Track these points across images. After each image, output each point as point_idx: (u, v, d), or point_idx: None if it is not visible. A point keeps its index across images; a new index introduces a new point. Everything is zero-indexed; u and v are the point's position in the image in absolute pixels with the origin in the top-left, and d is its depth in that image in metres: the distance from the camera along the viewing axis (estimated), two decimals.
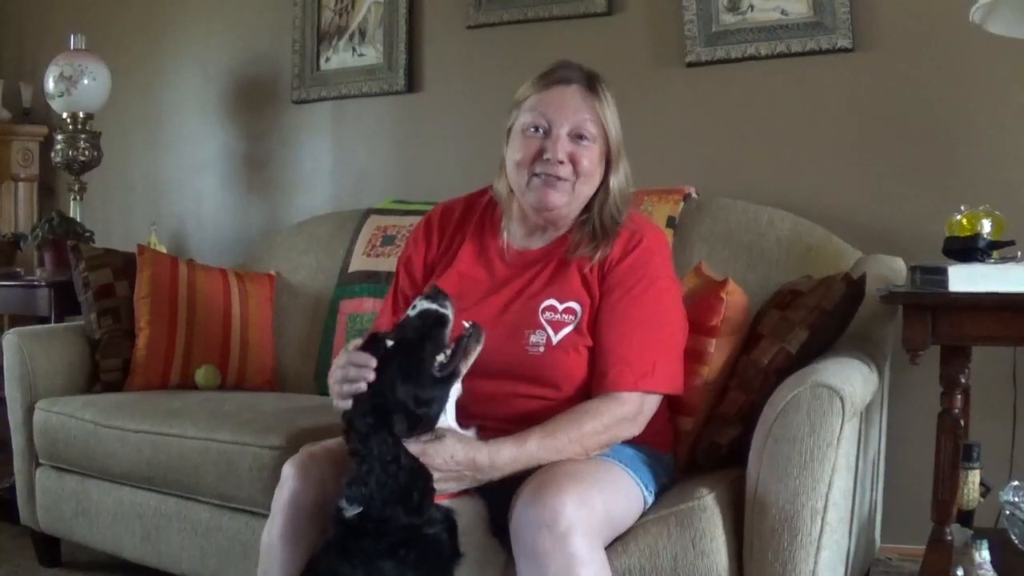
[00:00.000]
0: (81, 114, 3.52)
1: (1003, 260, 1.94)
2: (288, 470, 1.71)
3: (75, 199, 3.59)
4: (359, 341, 1.62)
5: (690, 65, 2.86)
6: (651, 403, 1.72)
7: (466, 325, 1.62)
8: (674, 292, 1.81)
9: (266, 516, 1.74)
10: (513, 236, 1.85)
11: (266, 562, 1.70)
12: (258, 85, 3.68)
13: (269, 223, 3.63)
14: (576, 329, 1.73)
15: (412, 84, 3.35)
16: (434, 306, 1.61)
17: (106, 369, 2.81)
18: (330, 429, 2.09)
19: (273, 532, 1.69)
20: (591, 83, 1.77)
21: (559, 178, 1.74)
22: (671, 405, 1.84)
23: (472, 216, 1.91)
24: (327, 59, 3.51)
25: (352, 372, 1.56)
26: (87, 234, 3.40)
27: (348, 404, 1.58)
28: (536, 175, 1.74)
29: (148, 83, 3.92)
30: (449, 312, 1.61)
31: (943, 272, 1.85)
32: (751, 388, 1.84)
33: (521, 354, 1.71)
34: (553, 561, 1.46)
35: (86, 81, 3.47)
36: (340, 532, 1.56)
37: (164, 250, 3.34)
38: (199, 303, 2.89)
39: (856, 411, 1.74)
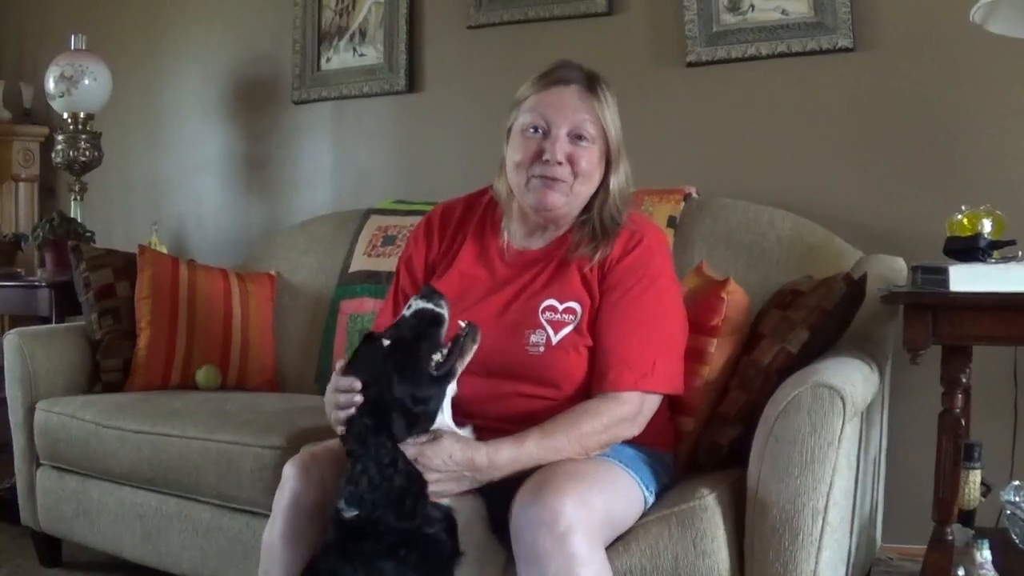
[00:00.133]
0: (82, 114, 3.52)
1: (1004, 260, 1.94)
2: (289, 470, 1.71)
3: (76, 199, 3.59)
4: (343, 362, 1.63)
5: (691, 65, 2.86)
6: (651, 403, 1.72)
7: (462, 324, 1.63)
8: (674, 292, 1.81)
9: (267, 516, 1.74)
10: (513, 236, 1.85)
11: (267, 562, 1.70)
12: (259, 85, 3.69)
13: (270, 223, 3.63)
14: (576, 329, 1.73)
15: (413, 84, 3.35)
16: (429, 305, 1.61)
17: (107, 369, 2.81)
18: (331, 429, 2.09)
19: (274, 532, 1.69)
20: (590, 83, 1.77)
21: (557, 179, 1.73)
22: (672, 405, 1.84)
23: (472, 216, 1.91)
24: (328, 59, 3.51)
25: (342, 398, 1.58)
26: (88, 234, 3.40)
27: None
28: (535, 176, 1.74)
29: (149, 83, 3.92)
30: (444, 311, 1.62)
31: (944, 272, 1.85)
32: (752, 388, 1.84)
33: (521, 354, 1.71)
34: (553, 561, 1.46)
35: (87, 81, 3.47)
36: (340, 533, 1.56)
37: (165, 250, 3.34)
38: (200, 303, 2.89)
39: (857, 411, 1.74)
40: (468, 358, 1.62)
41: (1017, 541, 2.01)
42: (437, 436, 1.58)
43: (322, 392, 2.79)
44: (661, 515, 1.66)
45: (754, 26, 2.77)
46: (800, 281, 2.06)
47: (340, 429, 1.61)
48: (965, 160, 2.52)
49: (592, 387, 1.71)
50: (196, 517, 2.35)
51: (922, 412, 2.16)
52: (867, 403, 1.85)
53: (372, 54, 3.42)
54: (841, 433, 1.62)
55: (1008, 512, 2.02)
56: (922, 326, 1.85)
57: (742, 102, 2.81)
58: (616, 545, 1.64)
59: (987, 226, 2.03)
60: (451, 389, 1.62)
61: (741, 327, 1.92)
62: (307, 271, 3.09)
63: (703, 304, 1.90)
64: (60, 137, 3.54)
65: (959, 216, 2.10)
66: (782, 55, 2.73)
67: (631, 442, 1.72)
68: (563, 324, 1.73)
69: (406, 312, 1.63)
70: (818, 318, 1.86)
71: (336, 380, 1.61)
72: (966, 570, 1.94)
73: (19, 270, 3.59)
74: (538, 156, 1.74)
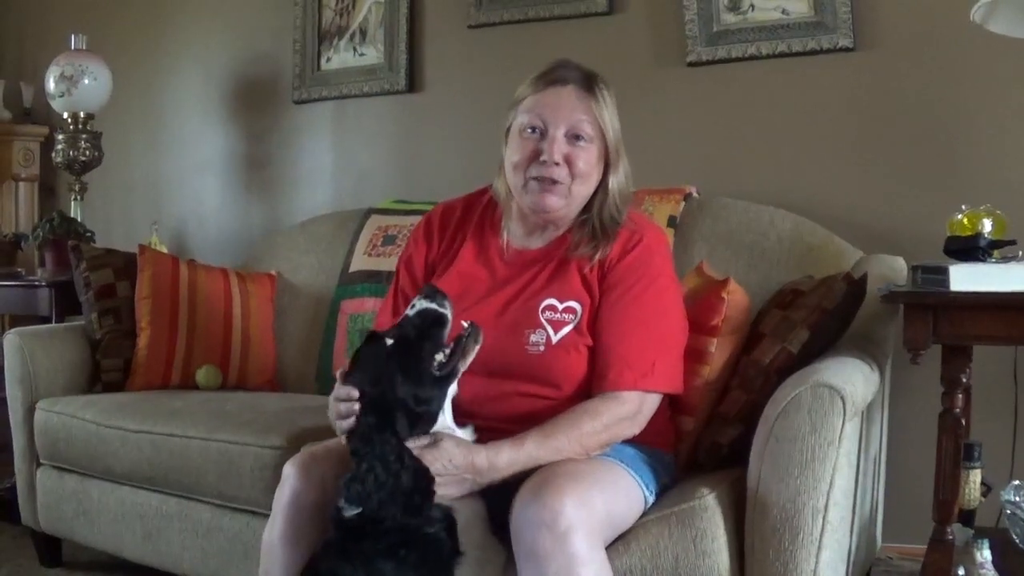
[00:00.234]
0: (82, 114, 3.52)
1: (1004, 260, 1.94)
2: (289, 470, 1.71)
3: (76, 199, 3.58)
4: (343, 369, 1.63)
5: (691, 65, 2.86)
6: (651, 402, 1.72)
7: (464, 325, 1.63)
8: (674, 291, 1.81)
9: (267, 516, 1.74)
10: (513, 235, 1.85)
11: (267, 562, 1.70)
12: (259, 85, 3.68)
13: (270, 223, 3.63)
14: (576, 328, 1.73)
15: (413, 84, 3.35)
16: (433, 305, 1.61)
17: (107, 369, 2.81)
18: (331, 429, 2.09)
19: (274, 532, 1.69)
20: (588, 83, 1.77)
21: (555, 181, 1.73)
22: (672, 405, 1.84)
23: (472, 216, 1.91)
24: (328, 59, 3.51)
25: (342, 408, 1.59)
26: (88, 234, 3.40)
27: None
28: (532, 178, 1.74)
29: (149, 83, 3.92)
30: (447, 312, 1.62)
31: (944, 272, 1.85)
32: (752, 388, 1.84)
33: (521, 353, 1.71)
34: (553, 561, 1.46)
35: (87, 81, 3.47)
36: (340, 532, 1.55)
37: (165, 250, 3.34)
38: (200, 303, 2.89)
39: (857, 411, 1.74)
40: (470, 358, 1.62)
41: (1017, 541, 2.01)
42: (437, 440, 1.58)
43: (322, 392, 2.83)
44: (661, 515, 1.66)
45: (754, 26, 2.77)
46: (800, 281, 2.06)
47: (343, 438, 1.61)
48: (965, 160, 2.52)
49: (592, 386, 1.71)
50: (196, 517, 2.35)
51: (922, 412, 2.16)
52: (867, 403, 1.85)
53: (372, 54, 3.42)
54: (841, 433, 1.62)
55: (1008, 512, 2.02)
56: (922, 326, 1.85)
57: (742, 102, 2.81)
58: (616, 545, 1.64)
59: (987, 226, 2.03)
60: (452, 390, 1.62)
61: (741, 327, 1.92)
62: (307, 271, 3.09)
63: (703, 304, 1.90)
64: (60, 137, 3.54)
65: (959, 216, 2.10)
66: (782, 55, 2.73)
67: (631, 442, 1.72)
68: (563, 323, 1.73)
69: (409, 312, 1.63)
70: (818, 318, 1.86)
71: (335, 391, 1.62)
72: (966, 570, 1.94)
73: (19, 270, 3.59)
74: (535, 157, 1.74)
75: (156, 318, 2.82)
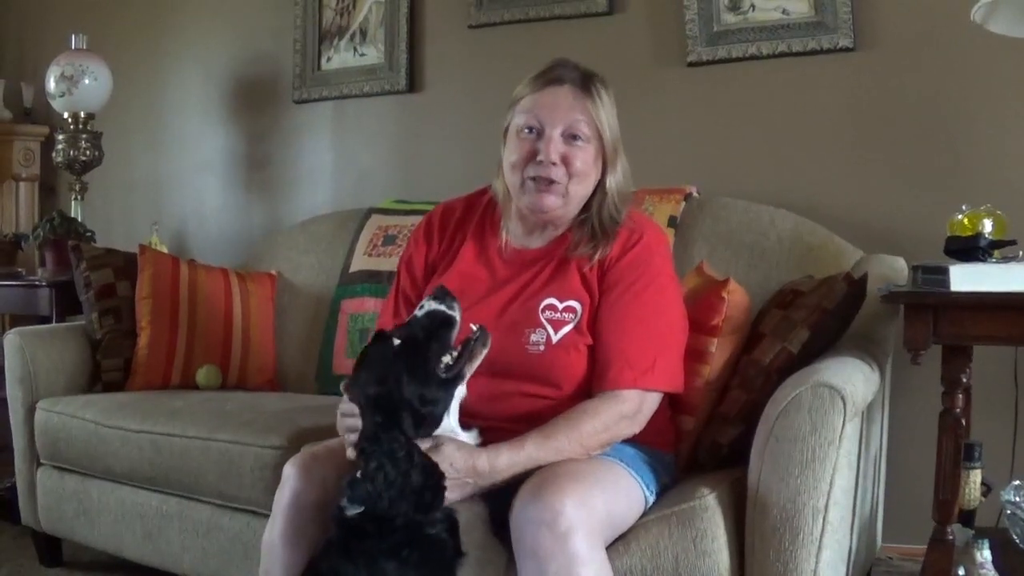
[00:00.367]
0: (82, 114, 3.52)
1: (1004, 260, 1.94)
2: (289, 470, 1.71)
3: (76, 199, 3.58)
4: (347, 381, 1.64)
5: (691, 65, 2.86)
6: (651, 401, 1.72)
7: (473, 328, 1.62)
8: (674, 290, 1.81)
9: (267, 516, 1.74)
10: (513, 235, 1.85)
11: (267, 562, 1.70)
12: (259, 85, 3.69)
13: (270, 223, 3.63)
14: (576, 328, 1.73)
15: (413, 84, 3.35)
16: (442, 307, 1.61)
17: (107, 369, 2.81)
18: (332, 429, 2.08)
19: (274, 532, 1.69)
20: (585, 83, 1.77)
21: (552, 180, 1.73)
22: (672, 404, 1.85)
23: (472, 216, 1.91)
24: (328, 59, 3.52)
25: (349, 422, 1.61)
26: (88, 234, 3.40)
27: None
28: (530, 178, 1.74)
29: (149, 83, 3.92)
30: (456, 314, 1.61)
31: (944, 272, 1.84)
32: (752, 387, 1.84)
33: (521, 353, 1.71)
34: (554, 561, 1.46)
35: (87, 81, 3.47)
36: (342, 532, 1.55)
37: (165, 250, 3.34)
38: (200, 303, 2.89)
39: (857, 410, 1.74)
40: (477, 362, 1.62)
41: (1017, 541, 2.01)
42: (438, 444, 1.58)
43: (322, 392, 2.83)
44: (661, 514, 1.66)
45: (755, 26, 2.77)
46: (801, 281, 2.06)
47: (351, 452, 1.62)
48: (966, 160, 2.52)
49: (592, 385, 1.71)
50: (197, 517, 2.35)
51: (922, 412, 2.16)
52: (867, 403, 1.85)
53: (373, 54, 3.42)
54: (841, 433, 1.62)
55: (1008, 512, 2.02)
56: (923, 326, 1.85)
57: (743, 102, 2.81)
58: (616, 545, 1.64)
59: (988, 226, 2.03)
60: (459, 392, 1.62)
61: (742, 327, 1.92)
62: (308, 271, 3.09)
63: (704, 304, 1.90)
64: (60, 137, 3.54)
65: (960, 216, 2.10)
66: (783, 55, 2.73)
67: (632, 441, 1.72)
68: (563, 323, 1.73)
69: (418, 312, 1.63)
70: (819, 318, 1.86)
71: (340, 407, 1.64)
72: (966, 570, 1.94)
73: (20, 270, 3.58)
74: (533, 157, 1.74)
75: (156, 318, 2.82)
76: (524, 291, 1.78)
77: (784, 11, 2.74)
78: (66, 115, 3.52)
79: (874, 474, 2.18)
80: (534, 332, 1.72)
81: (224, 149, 3.79)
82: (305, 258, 3.12)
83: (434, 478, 1.52)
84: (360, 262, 2.94)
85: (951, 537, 1.94)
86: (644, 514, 1.69)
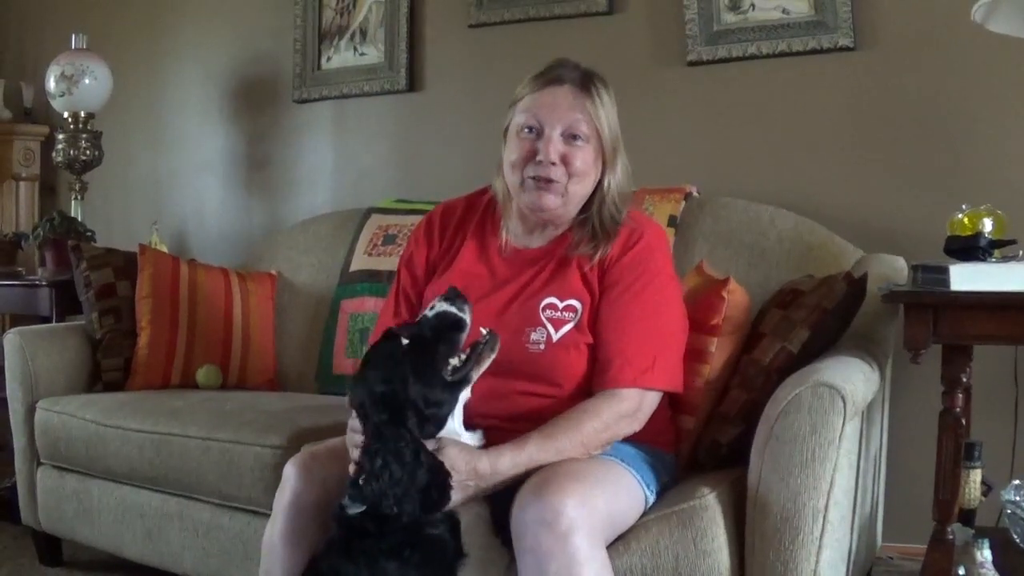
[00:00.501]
0: (82, 113, 3.52)
1: (1004, 259, 1.94)
2: (290, 470, 1.71)
3: (76, 198, 3.59)
4: (350, 395, 1.64)
5: (691, 64, 2.86)
6: (651, 399, 1.73)
7: (483, 332, 1.62)
8: (674, 289, 1.81)
9: (267, 515, 1.74)
10: (513, 235, 1.85)
11: (268, 562, 1.70)
12: (259, 84, 3.69)
13: (270, 222, 3.63)
14: (576, 326, 1.73)
15: (413, 83, 3.35)
16: (452, 309, 1.60)
17: (107, 369, 2.81)
18: (332, 428, 2.09)
19: (275, 532, 1.69)
20: (584, 82, 1.77)
21: (551, 180, 1.73)
22: (673, 404, 1.85)
23: (473, 215, 1.91)
24: (328, 58, 3.52)
25: (357, 439, 1.60)
26: (88, 233, 3.40)
27: None
28: (529, 177, 1.74)
29: (149, 82, 3.92)
30: (467, 317, 1.60)
31: (944, 271, 1.85)
32: (752, 387, 1.84)
33: (522, 352, 1.71)
34: (554, 560, 1.46)
35: (87, 80, 3.47)
36: (343, 531, 1.55)
37: (166, 249, 3.34)
38: (200, 303, 2.89)
39: (857, 410, 1.74)
40: (485, 366, 1.61)
41: (1018, 540, 2.01)
42: (440, 446, 1.58)
43: (322, 392, 2.83)
44: (662, 514, 1.66)
45: (755, 25, 2.77)
46: (801, 280, 2.06)
47: (353, 469, 1.61)
48: (966, 159, 2.52)
49: (592, 384, 1.71)
50: (197, 516, 2.35)
51: (923, 411, 2.16)
52: (868, 402, 1.85)
53: (373, 53, 3.42)
54: (842, 432, 1.62)
55: (1008, 511, 2.03)
56: (923, 325, 1.85)
57: (743, 101, 2.81)
58: (617, 544, 1.64)
59: (988, 225, 2.03)
60: (464, 395, 1.61)
61: (742, 326, 1.92)
62: (308, 270, 3.09)
63: (704, 303, 1.90)
64: (61, 136, 3.54)
65: (960, 215, 2.10)
66: (783, 54, 2.73)
67: (633, 441, 1.72)
68: (563, 322, 1.73)
69: (428, 312, 1.62)
70: (819, 317, 1.86)
71: (351, 420, 1.63)
72: (966, 569, 1.94)
73: (20, 269, 3.59)
74: (532, 156, 1.74)
75: (156, 317, 2.82)
76: (524, 290, 1.78)
77: (784, 10, 2.74)
78: (66, 115, 3.53)
79: (874, 474, 2.18)
80: (534, 331, 1.72)
81: (224, 149, 3.79)
82: (305, 258, 3.12)
83: (440, 477, 1.51)
84: (360, 261, 2.94)
85: (951, 537, 1.94)
86: (644, 513, 1.69)
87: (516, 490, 1.56)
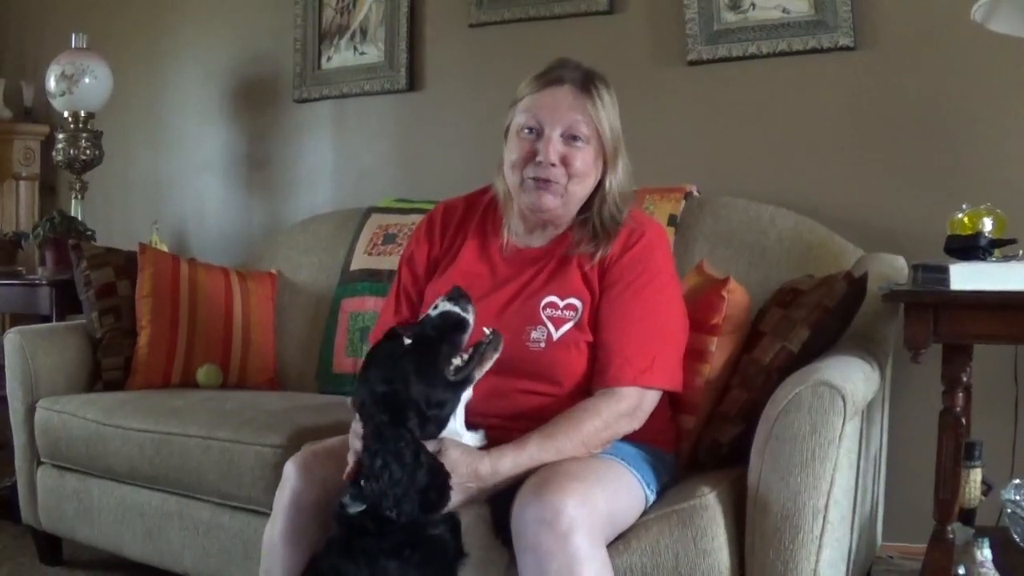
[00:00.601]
0: (82, 113, 3.52)
1: (1005, 258, 1.94)
2: (290, 469, 1.71)
3: (76, 198, 3.59)
4: (352, 398, 1.64)
5: (691, 63, 2.86)
6: (650, 398, 1.73)
7: (487, 332, 1.62)
8: (674, 288, 1.81)
9: (268, 515, 1.74)
10: (514, 234, 1.85)
11: (268, 561, 1.70)
12: (259, 84, 3.69)
13: (271, 222, 3.63)
14: (577, 325, 1.73)
15: (413, 83, 3.35)
16: (456, 309, 1.60)
17: (108, 368, 2.81)
18: (332, 428, 2.09)
19: (275, 531, 1.69)
20: (584, 83, 1.76)
21: (551, 181, 1.73)
22: (673, 403, 1.85)
23: (474, 214, 1.91)
24: (328, 58, 3.52)
25: (357, 444, 1.60)
26: (88, 233, 3.40)
27: None
28: (529, 178, 1.74)
29: (149, 82, 3.92)
30: (470, 317, 1.60)
31: (945, 271, 1.85)
32: (753, 386, 1.84)
33: (522, 350, 1.71)
34: (555, 559, 1.46)
35: (87, 80, 3.47)
36: (343, 530, 1.55)
37: (166, 249, 3.34)
38: (201, 302, 2.89)
39: (858, 410, 1.74)
40: (487, 367, 1.61)
41: (1018, 540, 2.01)
42: (442, 448, 1.58)
43: (322, 391, 2.83)
44: (662, 513, 1.66)
45: (755, 25, 2.77)
46: (801, 280, 2.06)
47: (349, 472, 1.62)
48: (966, 159, 2.52)
49: (592, 383, 1.71)
50: (197, 516, 2.35)
51: (923, 411, 2.16)
52: (868, 402, 1.85)
53: (373, 53, 3.42)
54: (842, 432, 1.62)
55: (1009, 511, 2.03)
56: (923, 325, 1.85)
57: (743, 101, 2.81)
58: (617, 543, 1.64)
59: (988, 225, 2.03)
60: (466, 395, 1.61)
61: (742, 325, 1.92)
62: (308, 270, 3.09)
63: (704, 302, 1.90)
64: (61, 136, 3.54)
65: (960, 215, 2.10)
66: (783, 54, 2.73)
67: (633, 440, 1.72)
68: (564, 320, 1.73)
69: (431, 312, 1.62)
70: (819, 317, 1.86)
71: (354, 425, 1.63)
72: (966, 569, 1.94)
73: (20, 269, 3.59)
74: (532, 157, 1.74)
75: (157, 317, 2.82)
76: (525, 289, 1.78)
77: (784, 10, 2.74)
78: (66, 114, 3.53)
79: (874, 473, 2.18)
80: (535, 329, 1.72)
81: (224, 148, 3.79)
82: (305, 257, 3.12)
83: (440, 478, 1.51)
84: (360, 261, 2.94)
85: (951, 536, 1.94)
86: (644, 513, 1.69)
87: (516, 490, 1.56)
